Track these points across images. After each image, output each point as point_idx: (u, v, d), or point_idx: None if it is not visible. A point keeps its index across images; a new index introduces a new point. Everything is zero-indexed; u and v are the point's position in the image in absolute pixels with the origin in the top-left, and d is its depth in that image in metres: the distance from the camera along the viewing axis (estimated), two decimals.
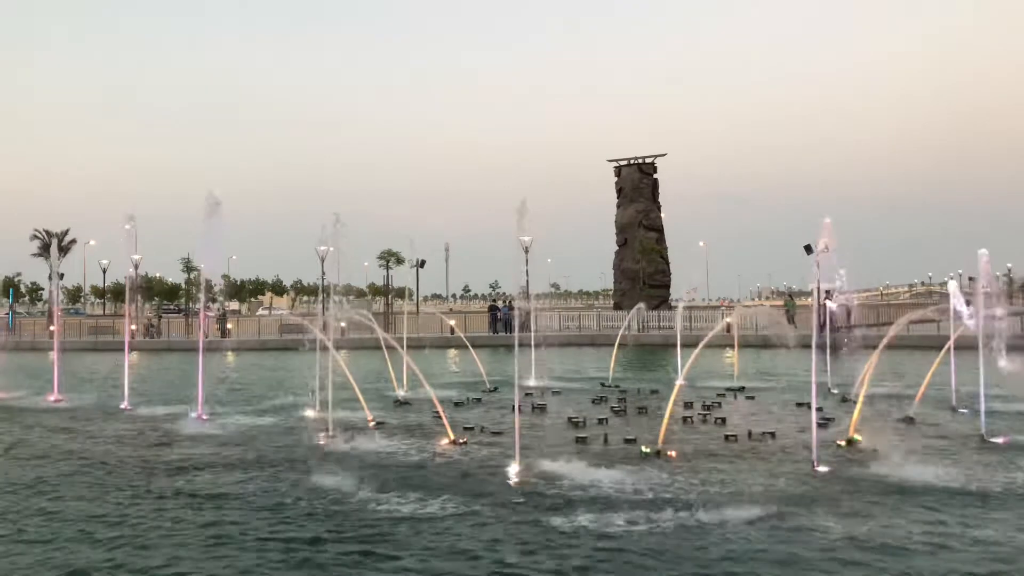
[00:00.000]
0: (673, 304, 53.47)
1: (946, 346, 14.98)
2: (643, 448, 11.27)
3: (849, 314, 40.76)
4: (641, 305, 36.57)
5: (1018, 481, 9.39)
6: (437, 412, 14.74)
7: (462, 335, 29.83)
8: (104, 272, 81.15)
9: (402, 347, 17.58)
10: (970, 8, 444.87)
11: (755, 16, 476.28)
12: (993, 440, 11.85)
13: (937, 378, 14.88)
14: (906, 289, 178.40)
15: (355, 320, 23.17)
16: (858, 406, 12.37)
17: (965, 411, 14.39)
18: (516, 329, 13.60)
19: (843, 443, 11.67)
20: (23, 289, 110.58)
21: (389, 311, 54.89)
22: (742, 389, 18.36)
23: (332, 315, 18.11)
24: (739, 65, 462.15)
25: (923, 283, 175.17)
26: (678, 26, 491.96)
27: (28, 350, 38.99)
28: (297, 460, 11.18)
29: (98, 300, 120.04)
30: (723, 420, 14.13)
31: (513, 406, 11.49)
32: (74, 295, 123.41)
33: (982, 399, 12.68)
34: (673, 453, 11.13)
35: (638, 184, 55.51)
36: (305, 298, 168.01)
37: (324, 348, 14.43)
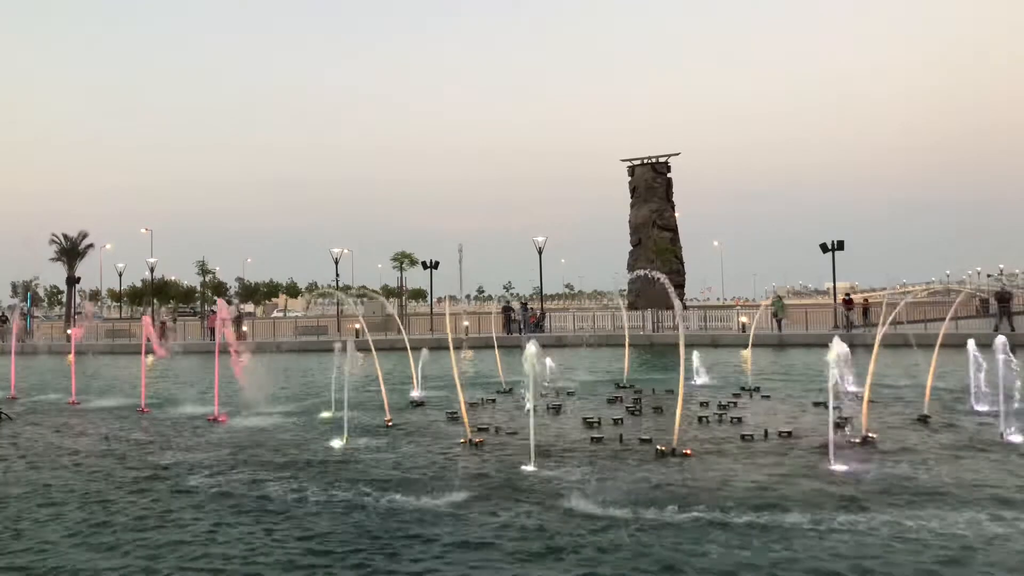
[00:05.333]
0: (688, 304, 53.28)
1: (966, 344, 14.84)
2: (658, 447, 11.27)
3: (865, 312, 40.65)
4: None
5: None
6: (452, 412, 14.84)
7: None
8: (120, 275, 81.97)
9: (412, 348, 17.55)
10: (993, 3, 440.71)
11: (771, 13, 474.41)
12: (1011, 439, 11.74)
13: (956, 375, 14.76)
14: (924, 287, 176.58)
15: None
16: (864, 404, 12.71)
17: (983, 410, 14.25)
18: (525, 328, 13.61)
19: (858, 441, 11.64)
20: (42, 293, 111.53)
21: (402, 312, 55.11)
22: (757, 389, 18.27)
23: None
24: (754, 63, 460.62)
25: (941, 281, 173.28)
26: (692, 25, 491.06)
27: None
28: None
29: (115, 303, 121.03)
30: (739, 419, 14.08)
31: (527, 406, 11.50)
32: (91, 299, 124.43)
33: (1001, 398, 12.54)
34: (688, 451, 11.15)
35: (652, 184, 55.36)
36: (320, 300, 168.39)
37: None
